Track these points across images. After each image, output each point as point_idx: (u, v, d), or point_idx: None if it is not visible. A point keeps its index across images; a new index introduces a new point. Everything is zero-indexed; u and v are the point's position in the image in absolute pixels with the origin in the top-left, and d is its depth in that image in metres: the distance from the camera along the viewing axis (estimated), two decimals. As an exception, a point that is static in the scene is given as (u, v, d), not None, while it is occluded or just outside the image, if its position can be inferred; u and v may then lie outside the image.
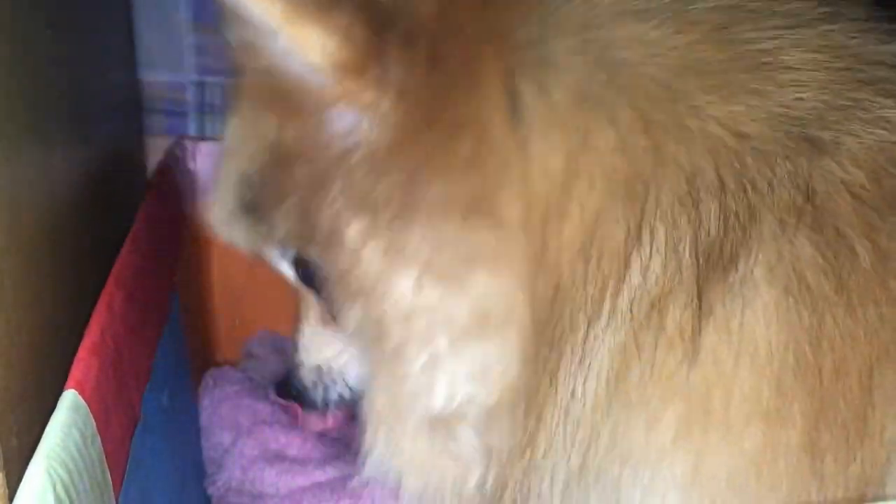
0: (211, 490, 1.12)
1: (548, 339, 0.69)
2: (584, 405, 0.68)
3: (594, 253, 0.67)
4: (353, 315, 0.73)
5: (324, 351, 0.87)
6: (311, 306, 0.86)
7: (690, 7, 0.70)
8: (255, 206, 0.76)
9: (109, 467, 0.70)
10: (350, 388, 0.88)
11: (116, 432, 0.75)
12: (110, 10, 1.16)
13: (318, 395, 0.89)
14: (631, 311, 0.66)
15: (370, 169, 0.69)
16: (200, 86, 1.36)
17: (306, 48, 0.65)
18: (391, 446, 0.76)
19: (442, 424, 0.74)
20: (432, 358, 0.72)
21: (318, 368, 0.88)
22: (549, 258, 0.68)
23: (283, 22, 0.64)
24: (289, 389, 0.91)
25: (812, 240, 0.64)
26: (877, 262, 0.64)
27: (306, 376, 0.89)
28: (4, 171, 0.66)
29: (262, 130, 0.73)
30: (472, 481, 0.76)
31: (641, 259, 0.66)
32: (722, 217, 0.65)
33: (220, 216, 0.81)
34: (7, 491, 0.59)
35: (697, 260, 0.65)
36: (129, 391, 0.81)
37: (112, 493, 0.71)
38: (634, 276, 0.66)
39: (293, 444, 1.14)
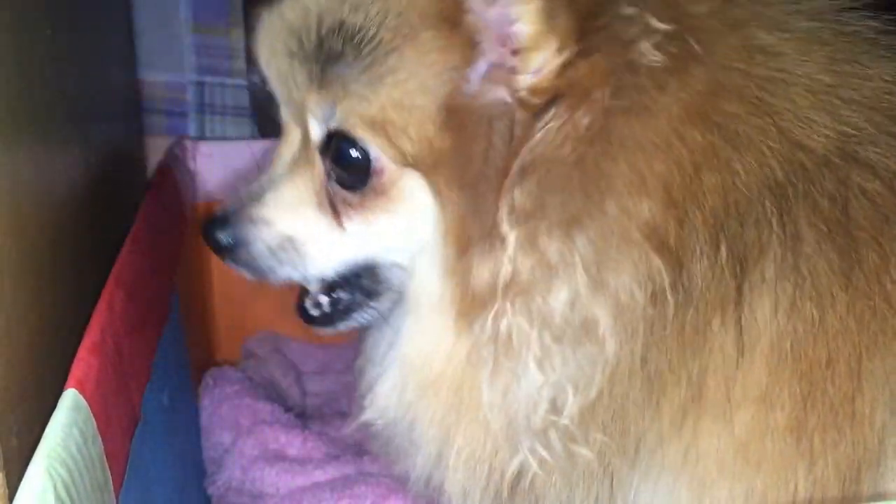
0: (211, 490, 1.12)
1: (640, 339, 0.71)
2: (618, 405, 0.71)
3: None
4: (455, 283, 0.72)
5: (308, 229, 0.79)
6: (315, 179, 0.79)
7: (824, 27, 0.74)
8: (334, 59, 0.73)
9: (110, 466, 0.70)
10: (305, 278, 0.82)
11: (117, 432, 0.75)
12: (110, 10, 1.16)
13: (264, 262, 0.81)
14: (674, 314, 0.69)
15: (551, 170, 0.69)
16: (200, 86, 1.36)
17: (541, 53, 0.68)
18: (440, 432, 0.75)
19: (539, 432, 0.73)
20: (549, 366, 0.71)
21: (287, 239, 0.80)
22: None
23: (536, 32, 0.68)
24: (224, 225, 0.81)
25: (832, 243, 0.69)
26: (879, 263, 0.69)
27: (265, 237, 0.80)
28: (5, 171, 0.66)
29: (420, 19, 0.71)
30: (511, 472, 0.75)
31: (688, 265, 0.69)
32: (763, 222, 0.69)
33: (283, 50, 0.76)
34: (7, 490, 0.59)
35: (735, 262, 0.69)
36: (129, 391, 0.81)
37: (112, 492, 0.71)
38: (680, 281, 0.69)
39: (293, 444, 1.15)
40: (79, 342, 0.73)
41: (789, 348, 0.69)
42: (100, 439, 0.69)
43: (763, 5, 0.74)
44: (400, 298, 0.81)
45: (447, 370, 0.75)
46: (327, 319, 0.85)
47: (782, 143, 0.70)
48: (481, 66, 0.70)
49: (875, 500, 0.70)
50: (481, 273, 0.71)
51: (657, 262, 0.68)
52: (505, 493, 0.76)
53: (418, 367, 0.76)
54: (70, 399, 0.66)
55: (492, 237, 0.70)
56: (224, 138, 1.39)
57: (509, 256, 0.70)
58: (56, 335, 0.74)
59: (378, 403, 0.80)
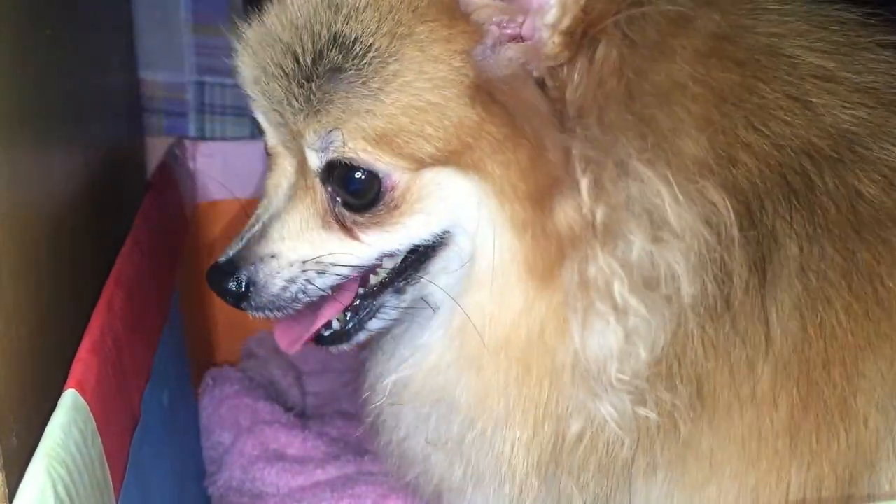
0: (211, 489, 1.12)
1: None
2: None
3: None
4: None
5: (318, 246, 0.76)
6: (318, 203, 0.75)
7: (818, 10, 0.75)
8: (333, 76, 0.70)
9: (109, 466, 0.70)
10: (341, 276, 0.77)
11: (116, 431, 0.75)
12: (110, 11, 1.16)
13: (285, 295, 0.77)
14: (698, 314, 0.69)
15: (606, 112, 0.68)
16: (200, 86, 1.36)
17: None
18: (490, 404, 0.74)
19: (611, 386, 0.71)
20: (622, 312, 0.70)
21: (303, 263, 0.76)
22: None
23: None
24: (231, 276, 0.77)
25: (837, 243, 0.69)
26: (872, 265, 0.69)
27: (277, 271, 0.76)
28: (4, 172, 0.66)
29: (420, 23, 0.69)
30: (572, 433, 0.74)
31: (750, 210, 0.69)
32: (781, 210, 0.69)
33: (277, 71, 0.72)
34: (7, 490, 0.59)
35: (759, 249, 0.69)
36: (129, 391, 0.81)
37: (112, 492, 0.71)
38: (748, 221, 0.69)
39: (293, 443, 1.15)
40: (79, 342, 0.74)
41: (792, 350, 0.69)
42: (99, 439, 0.69)
43: None
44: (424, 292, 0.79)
45: (514, 332, 0.72)
46: (341, 335, 0.81)
47: (797, 119, 0.70)
48: (490, 39, 0.69)
49: (873, 501, 0.69)
50: (560, 221, 0.69)
51: (716, 196, 0.68)
52: (553, 465, 0.74)
53: (477, 335, 0.73)
54: (69, 399, 0.66)
55: (562, 184, 0.69)
56: (224, 138, 1.39)
57: (585, 202, 0.68)
58: (56, 335, 0.74)
59: (412, 386, 0.77)
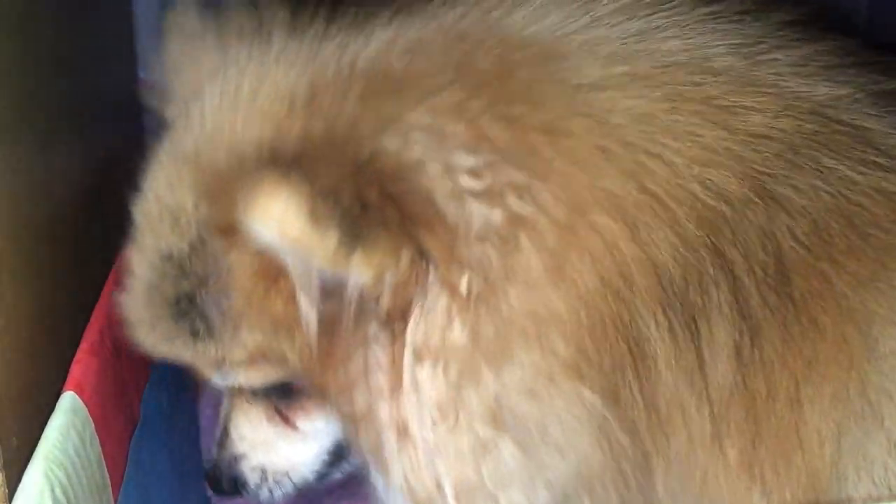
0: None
1: None
2: None
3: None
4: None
5: (271, 450, 0.83)
6: (255, 402, 0.81)
7: (678, 71, 0.70)
8: (197, 329, 0.72)
9: (108, 468, 0.70)
10: (295, 485, 0.84)
11: (115, 433, 0.75)
12: (110, 10, 1.16)
13: (263, 494, 0.84)
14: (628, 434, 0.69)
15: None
16: (200, 86, 1.36)
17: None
18: None
19: None
20: None
21: (263, 470, 0.83)
22: None
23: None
24: (222, 482, 0.85)
25: (767, 283, 0.68)
26: (808, 293, 0.68)
27: (249, 473, 0.84)
28: (4, 171, 0.66)
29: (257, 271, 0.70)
30: None
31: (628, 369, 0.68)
32: (705, 279, 0.67)
33: (161, 336, 0.75)
34: (7, 491, 0.59)
35: (688, 328, 0.68)
36: (128, 392, 0.81)
37: (111, 494, 0.71)
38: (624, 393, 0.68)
39: (293, 444, 1.14)
40: (78, 343, 0.73)
41: (734, 387, 0.68)
42: (98, 441, 0.69)
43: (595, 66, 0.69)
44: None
45: None
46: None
47: (692, 205, 0.67)
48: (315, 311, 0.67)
49: (877, 502, 0.69)
50: (411, 481, 0.69)
51: (587, 395, 0.66)
52: None
53: None
54: (68, 401, 0.66)
55: (406, 438, 0.68)
56: (224, 138, 1.39)
57: (444, 461, 0.68)
58: (56, 335, 0.74)
59: None
